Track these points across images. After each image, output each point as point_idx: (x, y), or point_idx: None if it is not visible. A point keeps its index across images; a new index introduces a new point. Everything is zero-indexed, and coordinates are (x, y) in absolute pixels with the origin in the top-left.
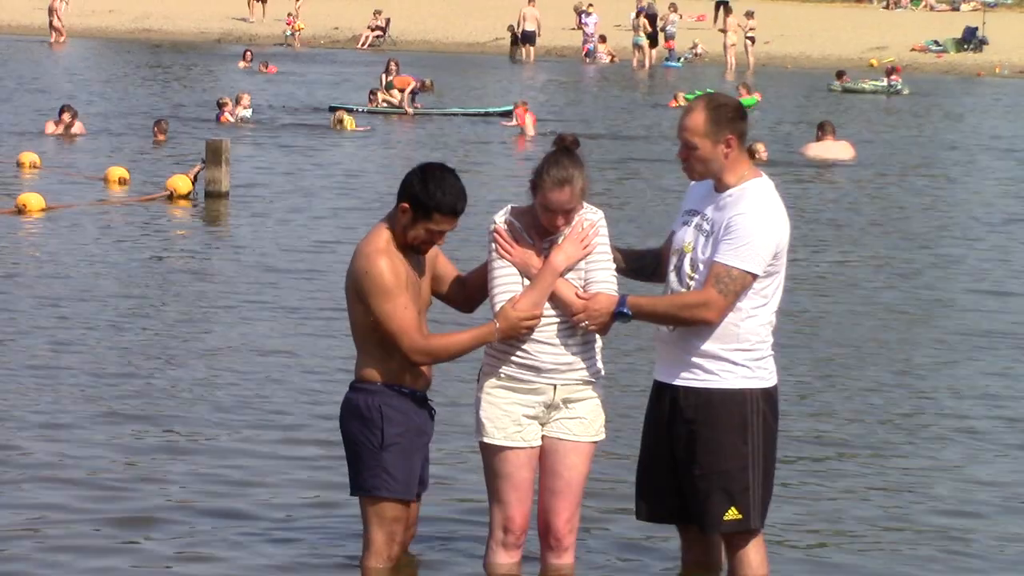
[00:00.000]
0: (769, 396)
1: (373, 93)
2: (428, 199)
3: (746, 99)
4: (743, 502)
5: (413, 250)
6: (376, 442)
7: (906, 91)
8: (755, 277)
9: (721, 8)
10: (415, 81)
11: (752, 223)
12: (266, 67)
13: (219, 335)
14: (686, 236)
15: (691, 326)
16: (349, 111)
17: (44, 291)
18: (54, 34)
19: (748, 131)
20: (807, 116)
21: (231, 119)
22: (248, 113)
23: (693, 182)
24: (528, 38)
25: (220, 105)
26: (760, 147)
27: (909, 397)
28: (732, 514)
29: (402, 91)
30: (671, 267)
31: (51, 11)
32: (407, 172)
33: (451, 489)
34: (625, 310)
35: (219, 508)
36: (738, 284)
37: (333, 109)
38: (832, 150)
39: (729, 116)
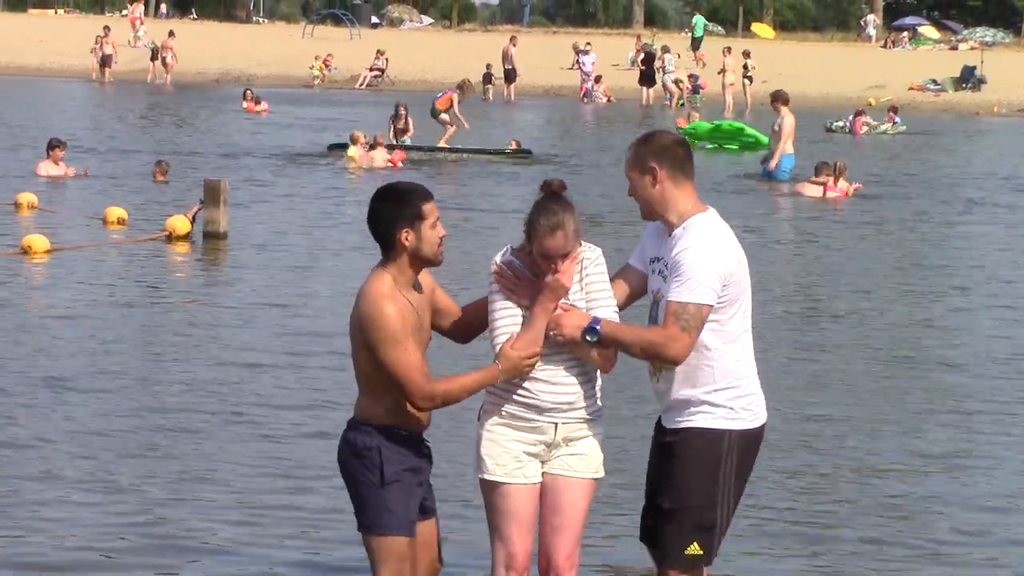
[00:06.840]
0: (752, 436)
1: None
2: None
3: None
4: (706, 540)
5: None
6: (376, 480)
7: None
8: (711, 307)
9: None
10: (454, 93)
11: (693, 256)
12: (257, 104)
13: (222, 380)
14: (655, 284)
15: (659, 362)
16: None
17: (48, 332)
18: (163, 70)
19: (687, 167)
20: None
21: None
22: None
23: (648, 228)
24: (509, 76)
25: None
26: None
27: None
28: (694, 549)
29: (447, 111)
30: (649, 316)
31: (158, 49)
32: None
33: (452, 527)
34: (596, 326)
35: (221, 545)
36: (696, 318)
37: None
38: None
39: (655, 148)
